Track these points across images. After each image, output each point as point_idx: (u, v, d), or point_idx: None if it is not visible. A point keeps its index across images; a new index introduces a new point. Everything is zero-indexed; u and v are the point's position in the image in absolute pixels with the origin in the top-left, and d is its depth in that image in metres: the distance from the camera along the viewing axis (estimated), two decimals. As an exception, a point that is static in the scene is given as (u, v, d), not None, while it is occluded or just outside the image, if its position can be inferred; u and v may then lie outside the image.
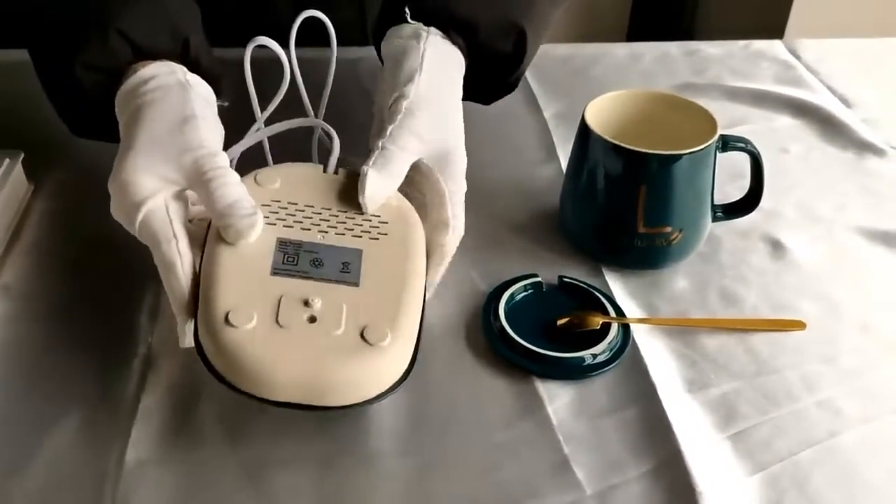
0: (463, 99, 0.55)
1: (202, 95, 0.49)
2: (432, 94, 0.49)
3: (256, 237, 0.43)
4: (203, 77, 0.51)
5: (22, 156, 0.57)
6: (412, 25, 0.53)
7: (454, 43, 0.54)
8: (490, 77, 0.58)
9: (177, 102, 0.46)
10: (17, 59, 0.75)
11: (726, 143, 0.52)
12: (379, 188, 0.46)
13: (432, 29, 0.53)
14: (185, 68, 0.50)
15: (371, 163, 0.46)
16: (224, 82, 0.53)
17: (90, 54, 0.48)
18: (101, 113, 0.49)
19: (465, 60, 0.55)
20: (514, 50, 0.56)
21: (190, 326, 0.42)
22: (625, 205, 0.52)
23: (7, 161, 0.56)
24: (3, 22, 0.58)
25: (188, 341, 0.42)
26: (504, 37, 0.55)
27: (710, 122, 0.52)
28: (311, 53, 0.52)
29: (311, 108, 0.53)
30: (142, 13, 0.49)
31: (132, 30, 0.48)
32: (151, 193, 0.44)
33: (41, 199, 0.59)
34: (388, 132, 0.47)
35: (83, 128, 0.54)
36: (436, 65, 0.51)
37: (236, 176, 0.45)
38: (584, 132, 0.52)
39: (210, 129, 0.46)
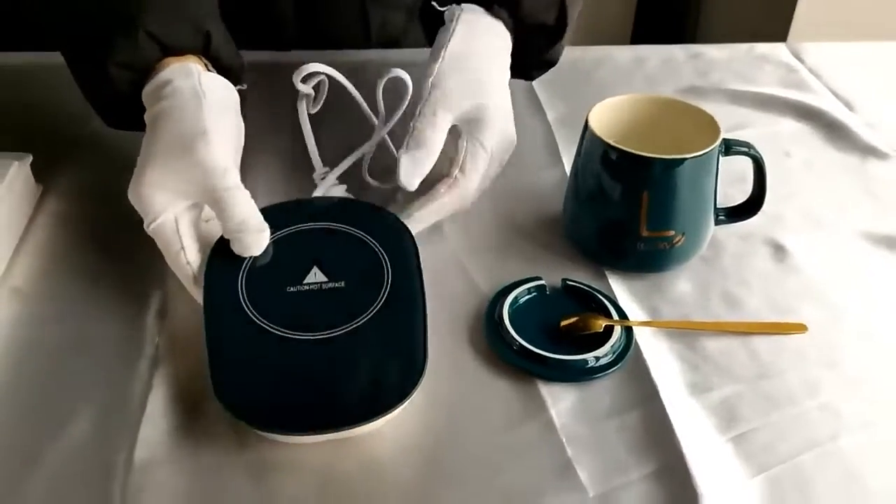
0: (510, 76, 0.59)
1: (217, 100, 0.50)
2: (460, 64, 0.54)
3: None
4: (223, 69, 0.54)
5: (31, 159, 0.58)
6: (449, 9, 0.58)
7: (498, 17, 0.58)
8: (533, 50, 0.61)
9: (190, 116, 0.48)
10: (25, 62, 0.76)
11: (729, 148, 0.53)
12: (415, 168, 0.51)
13: (466, 6, 0.57)
14: (201, 68, 0.52)
15: (405, 146, 0.51)
16: (244, 71, 0.57)
17: (121, 55, 0.50)
18: (135, 106, 0.52)
19: (511, 34, 0.58)
20: (557, 22, 0.59)
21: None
22: (628, 208, 0.52)
23: (16, 164, 0.56)
24: (29, 25, 0.60)
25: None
26: (547, 9, 0.59)
27: (712, 127, 0.52)
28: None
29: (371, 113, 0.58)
30: (166, 10, 0.51)
31: (158, 29, 0.50)
32: (162, 209, 0.47)
33: (50, 201, 0.60)
34: (418, 111, 0.52)
35: (118, 121, 0.56)
36: (467, 36, 0.55)
37: (246, 193, 0.47)
38: (588, 136, 0.53)
39: (223, 143, 0.48)
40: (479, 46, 0.56)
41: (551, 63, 0.64)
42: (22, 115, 0.70)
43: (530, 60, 0.62)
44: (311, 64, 0.54)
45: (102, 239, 0.57)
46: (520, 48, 0.60)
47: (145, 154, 0.48)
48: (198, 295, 0.47)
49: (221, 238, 0.48)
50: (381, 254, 0.49)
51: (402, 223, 0.52)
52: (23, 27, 0.71)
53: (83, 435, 0.43)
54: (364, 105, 0.58)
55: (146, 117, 0.50)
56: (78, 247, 0.56)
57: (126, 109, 0.53)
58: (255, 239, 0.46)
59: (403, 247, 0.50)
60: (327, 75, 0.55)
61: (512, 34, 0.59)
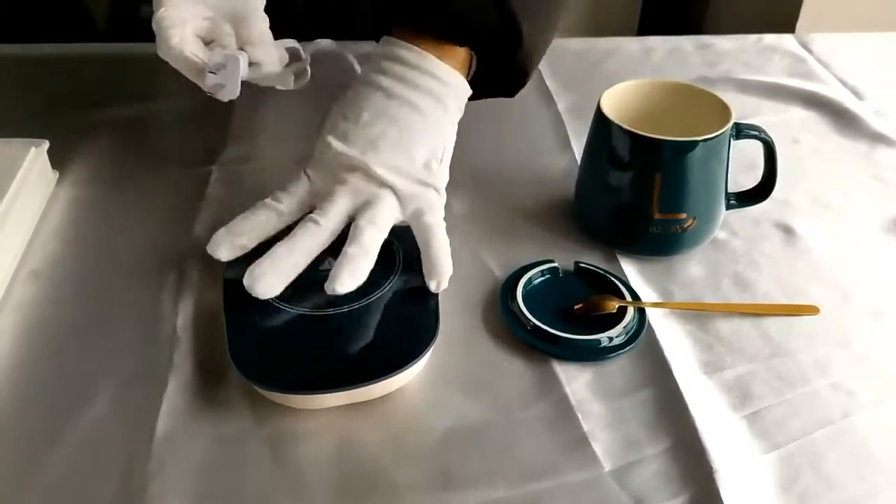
0: (484, 95, 0.55)
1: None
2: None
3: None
4: None
5: (48, 145, 0.58)
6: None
7: (432, 28, 0.51)
8: (496, 64, 0.54)
9: None
10: (42, 52, 0.76)
11: (740, 131, 0.53)
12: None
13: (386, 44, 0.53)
14: None
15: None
16: None
17: None
18: None
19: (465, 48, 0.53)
20: (502, 25, 0.51)
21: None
22: (640, 192, 0.53)
23: (32, 150, 0.57)
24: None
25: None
26: (483, 9, 0.51)
27: (724, 111, 0.53)
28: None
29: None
30: None
31: None
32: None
33: (66, 187, 0.61)
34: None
35: None
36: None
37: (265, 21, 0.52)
38: (601, 120, 0.53)
39: None
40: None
41: (522, 77, 0.56)
42: (38, 102, 0.71)
43: (496, 76, 0.55)
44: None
45: (118, 223, 0.57)
46: (484, 65, 0.54)
47: None
48: (203, 82, 0.50)
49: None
50: (394, 243, 0.51)
51: None
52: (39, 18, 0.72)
53: (105, 411, 0.43)
54: None
55: None
56: (94, 231, 0.57)
57: None
58: (273, 54, 0.52)
59: (413, 237, 0.51)
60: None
61: (462, 43, 0.52)
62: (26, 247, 0.54)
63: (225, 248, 0.48)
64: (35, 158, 0.57)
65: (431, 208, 0.50)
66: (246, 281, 0.45)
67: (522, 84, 0.57)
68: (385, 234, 0.49)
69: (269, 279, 0.46)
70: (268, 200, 0.50)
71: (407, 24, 0.52)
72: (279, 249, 0.47)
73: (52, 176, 0.60)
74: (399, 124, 0.50)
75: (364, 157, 0.49)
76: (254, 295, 0.45)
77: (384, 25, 0.54)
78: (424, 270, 0.49)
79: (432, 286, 0.49)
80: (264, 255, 0.46)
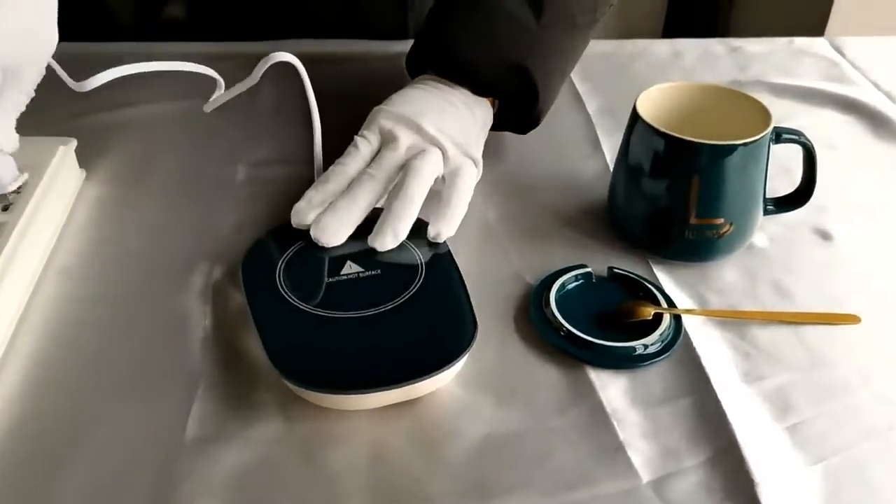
0: (500, 129, 0.62)
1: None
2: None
3: None
4: None
5: (75, 143, 0.58)
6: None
7: (462, 87, 0.59)
8: (513, 112, 0.61)
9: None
10: (69, 51, 0.76)
11: (779, 135, 0.52)
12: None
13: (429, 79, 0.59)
14: None
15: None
16: None
17: None
18: None
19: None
20: (523, 88, 0.59)
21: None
22: (676, 195, 0.52)
23: (61, 149, 0.57)
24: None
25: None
26: (508, 78, 0.58)
27: (763, 114, 0.52)
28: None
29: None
30: None
31: None
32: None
33: (93, 185, 0.60)
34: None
35: None
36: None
37: None
38: (637, 122, 0.52)
39: None
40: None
41: (534, 124, 0.62)
42: (65, 101, 0.71)
43: (513, 121, 0.62)
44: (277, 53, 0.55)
45: (145, 222, 0.57)
46: (501, 110, 0.61)
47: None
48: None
49: (257, 242, 0.51)
50: (414, 249, 0.51)
51: (421, 219, 0.52)
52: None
53: (134, 412, 0.43)
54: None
55: None
56: (120, 230, 0.56)
57: None
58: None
59: (434, 244, 0.51)
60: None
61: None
62: (55, 244, 0.54)
63: (311, 216, 0.51)
64: (63, 157, 0.57)
65: (469, 175, 0.55)
66: (313, 232, 0.50)
67: (534, 128, 0.62)
68: (429, 185, 0.52)
69: (335, 228, 0.50)
70: (335, 168, 0.53)
71: (441, 76, 0.59)
72: (340, 202, 0.51)
73: (79, 174, 0.60)
74: (440, 108, 0.56)
75: (416, 118, 0.54)
76: (321, 244, 0.50)
77: (419, 71, 0.61)
78: (431, 218, 0.51)
79: (431, 233, 0.51)
80: (327, 208, 0.51)
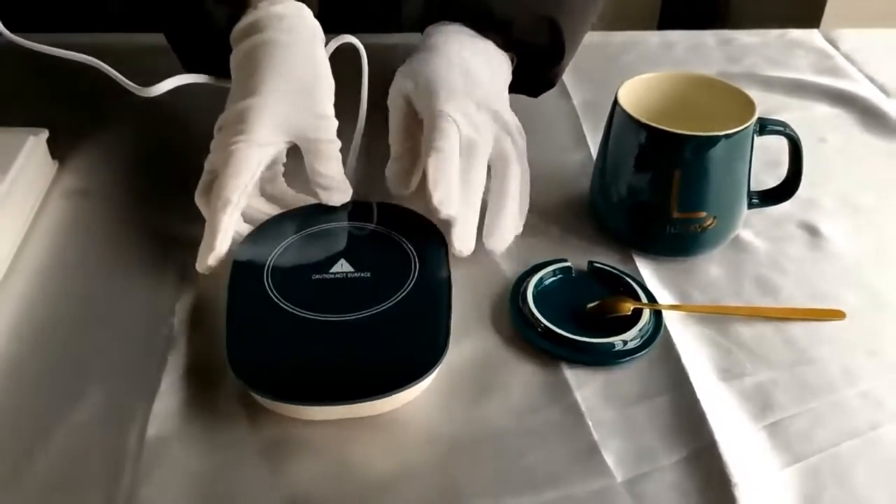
0: (511, 92, 0.59)
1: (324, 48, 0.53)
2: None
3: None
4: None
5: (47, 134, 0.57)
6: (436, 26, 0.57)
7: (490, 39, 0.56)
8: (532, 71, 0.60)
9: (309, 56, 0.50)
10: (51, 41, 0.75)
11: (764, 127, 0.51)
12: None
13: (453, 26, 0.56)
14: (311, 12, 0.53)
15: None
16: None
17: None
18: (221, 46, 0.54)
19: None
20: (552, 44, 0.57)
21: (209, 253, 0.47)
22: (658, 189, 0.50)
23: (31, 139, 0.55)
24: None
25: (208, 262, 0.47)
26: (539, 31, 0.57)
27: (747, 105, 0.50)
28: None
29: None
30: None
31: None
32: (260, 139, 0.48)
33: (65, 178, 0.59)
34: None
35: (198, 62, 0.57)
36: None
37: (338, 147, 0.50)
38: (618, 113, 0.51)
39: (332, 91, 0.51)
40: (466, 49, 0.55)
41: (551, 84, 0.62)
42: (38, 92, 0.70)
43: (531, 81, 0.61)
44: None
45: (118, 216, 0.56)
46: (520, 69, 0.59)
47: (252, 85, 0.49)
48: (209, 254, 0.47)
49: (253, 231, 0.50)
50: (411, 251, 0.49)
51: (432, 223, 0.51)
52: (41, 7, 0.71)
53: (95, 411, 0.42)
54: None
55: (241, 47, 0.52)
56: (93, 224, 0.55)
57: (212, 48, 0.54)
58: (340, 196, 0.51)
59: (433, 246, 0.50)
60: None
61: (509, 53, 0.58)
62: (23, 238, 0.53)
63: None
64: (34, 147, 0.55)
65: (514, 176, 0.54)
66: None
67: (549, 89, 0.62)
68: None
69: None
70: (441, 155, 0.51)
71: (472, 27, 0.57)
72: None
73: (51, 166, 0.59)
74: (480, 73, 0.54)
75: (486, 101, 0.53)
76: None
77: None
78: (484, 230, 0.51)
79: (486, 244, 0.51)
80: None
